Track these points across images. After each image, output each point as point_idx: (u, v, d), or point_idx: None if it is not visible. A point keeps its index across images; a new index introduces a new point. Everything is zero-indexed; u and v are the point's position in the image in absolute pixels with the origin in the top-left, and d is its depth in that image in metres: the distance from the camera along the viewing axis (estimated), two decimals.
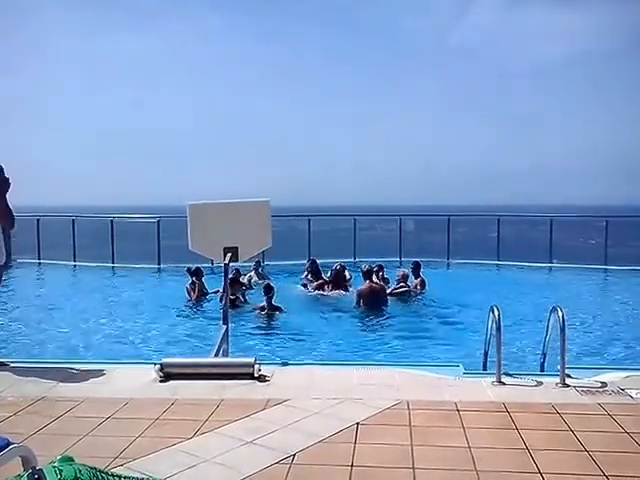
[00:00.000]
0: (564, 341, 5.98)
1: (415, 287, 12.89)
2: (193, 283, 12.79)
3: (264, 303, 11.26)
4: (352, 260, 17.03)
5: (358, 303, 11.68)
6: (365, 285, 11.83)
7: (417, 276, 13.12)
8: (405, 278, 12.84)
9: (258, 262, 14.78)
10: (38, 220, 19.30)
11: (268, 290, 11.35)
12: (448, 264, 18.48)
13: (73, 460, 2.67)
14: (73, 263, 18.44)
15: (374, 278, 12.09)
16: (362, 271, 12.04)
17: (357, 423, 5.01)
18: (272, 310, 11.21)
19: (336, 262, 14.12)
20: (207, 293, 12.80)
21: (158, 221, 18.05)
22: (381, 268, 13.80)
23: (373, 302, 11.63)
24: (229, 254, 7.28)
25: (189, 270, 13.00)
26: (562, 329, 6.00)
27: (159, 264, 17.81)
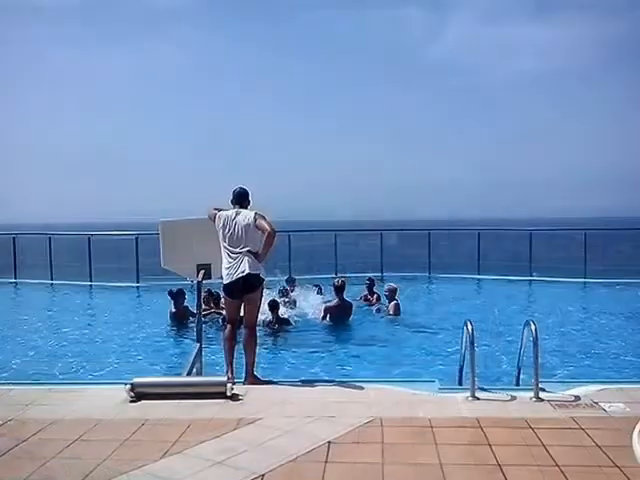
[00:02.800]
0: (537, 355, 5.96)
1: (388, 312, 12.75)
2: (176, 307, 11.95)
3: (270, 318, 11.22)
4: (333, 275, 16.92)
5: (324, 318, 11.69)
6: (334, 302, 11.83)
7: (391, 300, 12.91)
8: (394, 292, 12.76)
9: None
10: (14, 239, 19.06)
11: (275, 307, 11.29)
12: (429, 278, 18.45)
13: None
14: (50, 282, 18.14)
15: (342, 293, 11.99)
16: (335, 286, 11.88)
17: (329, 442, 4.96)
18: (280, 324, 11.24)
19: (314, 278, 14.12)
20: (193, 314, 11.97)
21: (136, 238, 17.71)
22: (373, 282, 13.90)
23: (341, 318, 11.67)
24: (202, 271, 7.21)
25: (170, 293, 12.13)
26: (535, 343, 5.98)
27: (138, 282, 17.55)
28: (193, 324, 11.43)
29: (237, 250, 6.72)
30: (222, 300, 9.32)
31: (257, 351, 7.06)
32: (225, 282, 6.83)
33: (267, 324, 11.16)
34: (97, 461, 4.64)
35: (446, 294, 16.17)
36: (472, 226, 22.01)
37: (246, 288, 6.77)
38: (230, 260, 6.75)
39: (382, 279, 16.44)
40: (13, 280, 18.58)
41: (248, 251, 6.71)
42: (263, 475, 4.37)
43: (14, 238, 19.11)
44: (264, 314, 11.06)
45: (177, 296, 11.99)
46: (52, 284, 18.07)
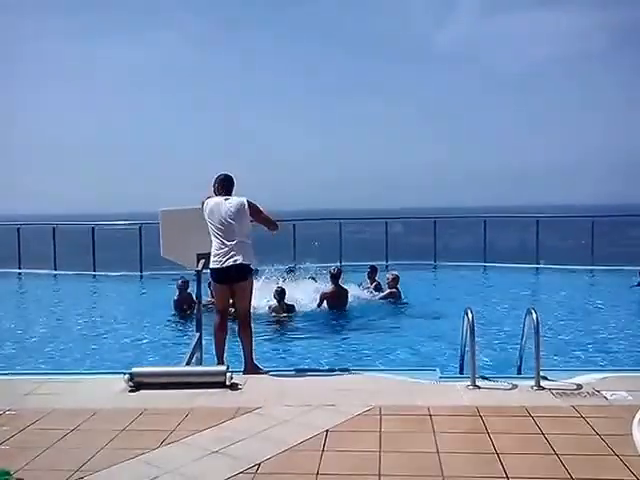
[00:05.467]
0: (539, 343, 5.90)
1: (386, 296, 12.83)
2: (180, 295, 11.91)
3: (276, 304, 11.30)
4: (338, 264, 16.83)
5: (320, 305, 11.92)
6: (330, 288, 12.07)
7: (392, 288, 12.98)
8: (395, 280, 12.82)
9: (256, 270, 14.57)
10: (18, 229, 19.10)
11: (282, 294, 11.36)
12: (435, 266, 18.38)
13: (9, 474, 2.59)
14: (54, 272, 18.17)
15: (338, 280, 12.07)
16: (331, 273, 12.16)
17: (326, 430, 4.93)
18: (286, 310, 11.30)
19: (318, 266, 14.09)
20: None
21: (140, 227, 17.67)
22: (374, 270, 13.93)
23: (337, 305, 11.91)
24: (202, 260, 7.16)
25: (181, 283, 11.83)
26: (536, 331, 5.92)
27: (141, 271, 17.55)
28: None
29: (229, 237, 6.66)
30: None
31: (254, 339, 7.02)
32: (213, 267, 6.74)
33: (273, 310, 11.19)
34: (94, 451, 4.62)
35: (450, 282, 16.12)
36: (479, 213, 21.80)
37: (238, 276, 6.73)
38: (221, 246, 6.67)
39: (387, 267, 16.36)
40: (17, 270, 18.62)
41: (240, 240, 6.67)
42: (260, 464, 4.34)
43: (18, 229, 19.14)
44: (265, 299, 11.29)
45: (182, 286, 11.96)
46: (55, 274, 18.11)
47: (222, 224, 6.69)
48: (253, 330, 7.03)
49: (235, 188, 6.99)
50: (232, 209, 6.71)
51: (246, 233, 6.75)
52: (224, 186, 6.93)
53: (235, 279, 6.73)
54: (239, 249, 6.64)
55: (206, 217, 6.79)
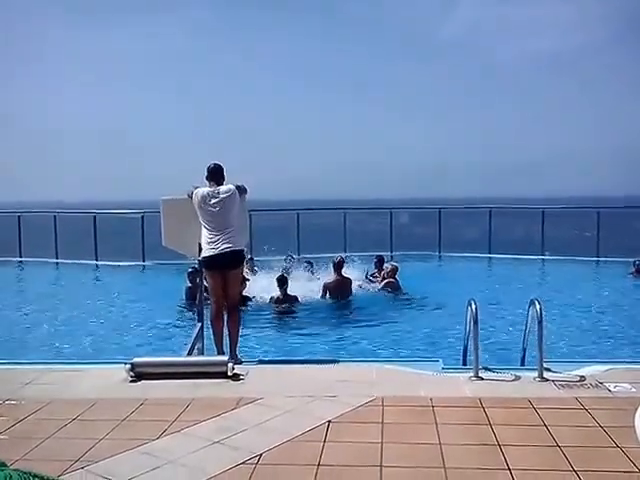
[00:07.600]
0: (542, 335, 5.87)
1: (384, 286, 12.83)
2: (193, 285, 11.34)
3: (279, 294, 11.22)
4: (343, 254, 16.75)
5: (324, 295, 11.84)
6: (332, 278, 11.99)
7: (391, 277, 12.98)
8: (394, 272, 12.82)
9: (251, 258, 14.51)
10: (19, 217, 19.01)
11: (283, 282, 11.27)
12: (439, 257, 18.31)
13: (5, 465, 2.54)
14: (55, 261, 18.11)
15: (341, 270, 12.05)
16: (333, 262, 12.11)
17: (328, 421, 4.91)
18: (288, 301, 11.22)
19: (321, 257, 14.04)
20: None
21: (142, 216, 17.50)
22: (382, 260, 13.94)
23: (340, 294, 11.84)
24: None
25: (191, 272, 11.43)
26: (540, 322, 5.89)
27: (144, 261, 17.47)
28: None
29: (220, 225, 6.70)
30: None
31: (240, 329, 7.07)
32: (206, 254, 6.75)
33: (275, 301, 11.14)
34: (94, 441, 4.61)
35: (454, 272, 16.06)
36: (484, 204, 21.63)
37: (231, 263, 6.76)
38: (213, 234, 6.69)
39: (392, 258, 16.29)
40: (18, 259, 18.53)
41: (231, 228, 6.71)
42: (261, 454, 4.33)
43: (19, 217, 19.06)
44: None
45: (193, 275, 11.67)
46: (57, 263, 18.07)
47: (213, 213, 6.72)
48: (241, 321, 7.11)
49: (226, 179, 7.01)
50: (222, 197, 6.75)
51: (237, 220, 6.81)
52: (214, 176, 6.96)
53: (228, 266, 6.77)
54: (231, 236, 6.69)
55: (196, 207, 6.81)
